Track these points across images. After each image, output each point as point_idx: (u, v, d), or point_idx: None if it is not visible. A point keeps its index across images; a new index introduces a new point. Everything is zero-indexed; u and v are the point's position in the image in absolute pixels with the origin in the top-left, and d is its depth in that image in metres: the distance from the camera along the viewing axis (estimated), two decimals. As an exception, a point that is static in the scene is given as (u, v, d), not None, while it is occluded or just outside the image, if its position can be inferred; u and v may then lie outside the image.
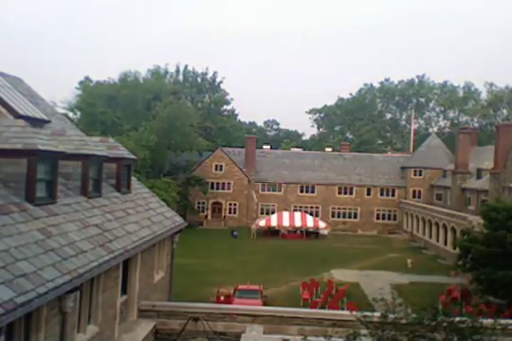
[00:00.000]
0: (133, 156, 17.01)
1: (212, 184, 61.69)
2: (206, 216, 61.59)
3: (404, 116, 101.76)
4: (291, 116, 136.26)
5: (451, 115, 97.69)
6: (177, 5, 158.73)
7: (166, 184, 50.17)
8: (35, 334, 8.71)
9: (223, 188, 62.20)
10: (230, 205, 62.28)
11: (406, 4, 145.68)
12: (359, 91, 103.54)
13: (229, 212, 62.25)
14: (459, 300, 27.08)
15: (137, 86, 66.63)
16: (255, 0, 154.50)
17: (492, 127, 76.85)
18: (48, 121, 15.36)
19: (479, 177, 49.91)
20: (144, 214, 15.78)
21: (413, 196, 62.55)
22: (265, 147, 72.68)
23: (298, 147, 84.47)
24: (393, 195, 63.42)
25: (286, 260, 39.53)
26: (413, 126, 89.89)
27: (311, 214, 58.64)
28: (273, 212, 59.27)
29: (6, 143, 10.21)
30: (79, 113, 67.19)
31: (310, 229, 53.32)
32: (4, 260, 7.88)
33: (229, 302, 24.31)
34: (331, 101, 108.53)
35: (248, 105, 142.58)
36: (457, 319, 10.93)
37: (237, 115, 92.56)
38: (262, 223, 53.56)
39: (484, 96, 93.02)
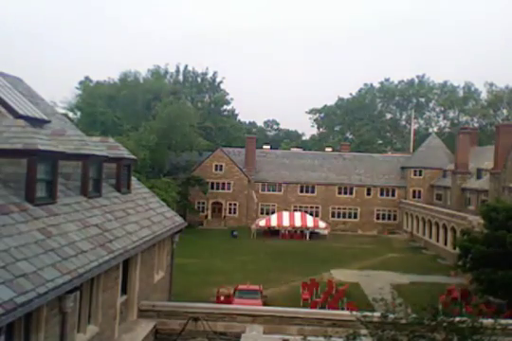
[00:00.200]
0: (133, 156, 17.00)
1: (212, 184, 61.69)
2: (206, 216, 61.59)
3: (404, 116, 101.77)
4: (291, 116, 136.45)
5: (451, 115, 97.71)
6: (177, 5, 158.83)
7: (166, 184, 50.15)
8: (35, 334, 8.71)
9: (223, 188, 62.20)
10: (230, 205, 62.28)
11: (406, 4, 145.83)
12: (359, 91, 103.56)
13: (229, 212, 62.25)
14: (459, 300, 27.10)
15: (137, 86, 66.66)
16: (255, 0, 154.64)
17: (492, 127, 76.87)
18: (48, 121, 15.35)
19: (479, 177, 49.91)
20: (144, 214, 15.78)
21: (413, 196, 62.55)
22: (265, 147, 72.69)
23: (298, 147, 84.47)
24: (393, 195, 63.42)
25: (286, 260, 39.53)
26: (413, 126, 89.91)
27: (311, 214, 58.62)
28: (273, 212, 59.26)
29: (6, 143, 10.21)
30: (79, 113, 67.21)
31: (310, 229, 53.33)
32: (4, 260, 7.88)
33: (229, 302, 24.32)
34: (331, 101, 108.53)
35: (248, 105, 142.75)
36: (457, 319, 10.93)
37: (237, 115, 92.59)
38: (262, 223, 53.55)
39: (484, 96, 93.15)
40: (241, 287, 27.08)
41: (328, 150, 72.46)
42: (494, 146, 45.57)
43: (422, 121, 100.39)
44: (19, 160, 10.15)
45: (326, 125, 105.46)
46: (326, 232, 53.57)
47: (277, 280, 32.84)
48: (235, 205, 62.26)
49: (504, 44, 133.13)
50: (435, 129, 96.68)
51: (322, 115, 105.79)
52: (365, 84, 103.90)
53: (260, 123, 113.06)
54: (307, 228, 53.09)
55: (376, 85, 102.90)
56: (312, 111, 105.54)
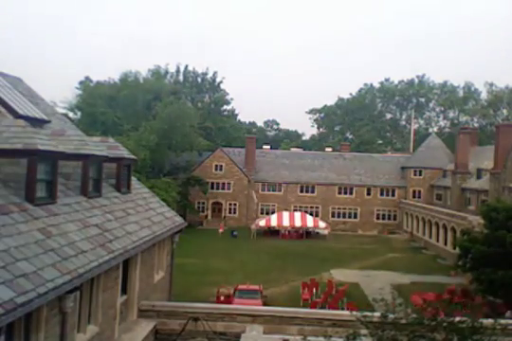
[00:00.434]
0: (133, 156, 17.00)
1: (212, 184, 61.69)
2: (206, 216, 61.59)
3: (404, 116, 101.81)
4: (291, 116, 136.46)
5: (451, 115, 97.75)
6: (177, 5, 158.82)
7: (166, 184, 50.16)
8: (35, 334, 8.71)
9: (223, 188, 62.20)
10: (230, 205, 62.28)
11: (406, 4, 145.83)
12: (359, 91, 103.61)
13: (229, 212, 62.25)
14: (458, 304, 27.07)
15: (137, 86, 66.68)
16: (255, 0, 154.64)
17: (492, 127, 76.88)
18: (48, 121, 15.36)
19: (479, 177, 49.91)
20: (144, 214, 15.78)
21: (413, 196, 62.55)
22: (264, 147, 72.69)
23: (298, 147, 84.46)
24: (393, 195, 63.42)
25: (286, 260, 39.52)
26: (413, 126, 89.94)
27: (311, 214, 58.61)
28: (273, 212, 59.24)
29: (6, 143, 10.21)
30: (79, 113, 67.23)
31: (305, 228, 53.29)
32: (4, 260, 7.88)
33: (229, 302, 24.31)
34: (331, 101, 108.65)
35: (248, 105, 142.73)
36: (457, 319, 10.93)
37: (237, 115, 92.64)
38: (262, 223, 53.54)
39: (484, 96, 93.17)
40: (241, 287, 27.07)
41: (328, 150, 72.46)
42: (494, 146, 45.56)
43: (422, 121, 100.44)
44: (19, 160, 10.16)
45: (326, 125, 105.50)
46: (326, 232, 53.56)
47: (277, 280, 32.83)
48: (235, 205, 62.26)
49: (505, 43, 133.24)
50: (435, 129, 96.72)
51: (322, 115, 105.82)
52: (365, 84, 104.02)
53: (260, 123, 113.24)
54: (307, 228, 53.09)
55: (376, 85, 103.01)
56: (312, 111, 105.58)
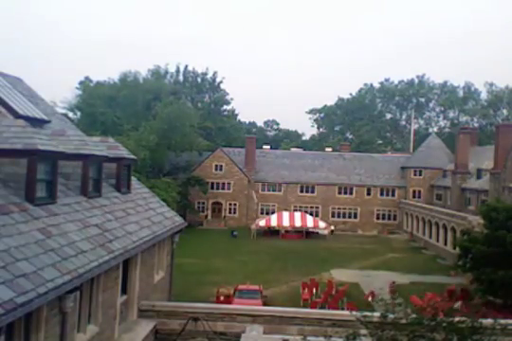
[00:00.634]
0: (133, 156, 17.00)
1: (212, 184, 61.70)
2: (206, 216, 61.58)
3: (404, 116, 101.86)
4: (291, 116, 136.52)
5: (451, 115, 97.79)
6: (177, 5, 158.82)
7: (166, 184, 50.17)
8: (35, 334, 8.71)
9: (223, 188, 62.21)
10: (230, 205, 62.28)
11: (406, 4, 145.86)
12: (359, 91, 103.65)
13: (229, 212, 62.25)
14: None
15: (137, 86, 66.65)
16: (255, 0, 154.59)
17: (492, 127, 76.89)
18: (48, 121, 15.36)
19: (479, 177, 49.91)
20: (144, 214, 15.78)
21: (413, 196, 62.54)
22: (264, 147, 72.70)
23: (298, 147, 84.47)
24: (393, 195, 63.42)
25: (286, 260, 39.52)
26: (413, 126, 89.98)
27: (311, 214, 58.61)
28: (273, 212, 59.24)
29: (6, 143, 10.21)
30: (79, 113, 67.19)
31: (310, 229, 53.32)
32: (4, 260, 7.88)
33: (229, 302, 24.30)
34: (331, 101, 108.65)
35: (248, 105, 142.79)
36: (457, 319, 10.93)
37: (237, 115, 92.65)
38: (262, 223, 53.54)
39: (484, 96, 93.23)
40: (241, 287, 27.05)
41: (328, 150, 72.46)
42: (494, 146, 45.56)
43: (422, 121, 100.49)
44: (19, 160, 10.16)
45: (326, 125, 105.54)
46: (326, 232, 53.55)
47: (277, 280, 32.83)
48: (235, 205, 62.26)
49: (504, 43, 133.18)
50: (435, 129, 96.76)
51: (322, 115, 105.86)
52: (365, 84, 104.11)
53: (260, 123, 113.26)
54: (307, 228, 53.08)
55: (376, 85, 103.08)
56: (312, 111, 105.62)
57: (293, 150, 75.72)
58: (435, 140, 67.49)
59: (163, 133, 55.17)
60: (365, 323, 11.26)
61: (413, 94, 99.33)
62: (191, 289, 28.21)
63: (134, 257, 13.79)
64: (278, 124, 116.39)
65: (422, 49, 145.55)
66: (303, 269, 36.20)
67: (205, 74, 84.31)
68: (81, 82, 73.11)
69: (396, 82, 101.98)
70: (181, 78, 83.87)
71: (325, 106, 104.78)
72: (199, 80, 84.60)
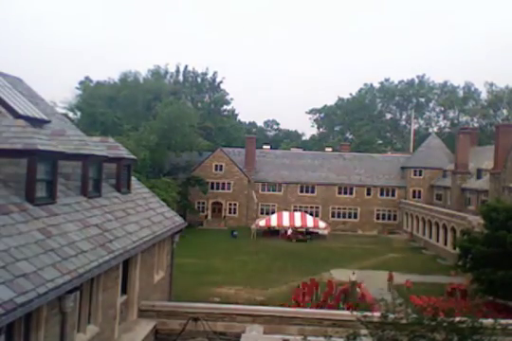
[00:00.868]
0: (133, 156, 16.99)
1: (212, 184, 61.70)
2: (206, 216, 61.59)
3: (404, 116, 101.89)
4: (291, 116, 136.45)
5: (451, 115, 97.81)
6: (177, 5, 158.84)
7: (166, 184, 50.16)
8: (35, 334, 8.71)
9: (223, 188, 62.21)
10: (230, 205, 62.28)
11: (406, 4, 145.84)
12: (359, 91, 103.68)
13: (229, 212, 62.26)
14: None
15: (137, 86, 66.67)
16: (255, 0, 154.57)
17: (492, 127, 76.88)
18: (48, 121, 15.34)
19: (479, 177, 49.91)
20: (144, 214, 15.77)
21: (413, 196, 62.55)
22: (264, 147, 72.70)
23: (298, 147, 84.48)
24: (393, 195, 63.42)
25: (286, 261, 39.53)
26: (413, 126, 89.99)
27: (311, 214, 58.61)
28: (273, 212, 59.24)
29: (6, 143, 10.21)
30: (79, 113, 67.18)
31: (310, 229, 53.30)
32: (4, 260, 7.87)
33: None
34: (331, 101, 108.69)
35: (248, 105, 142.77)
36: (457, 319, 10.93)
37: (237, 115, 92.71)
38: (262, 223, 53.52)
39: (484, 96, 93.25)
40: None
41: (328, 150, 72.47)
42: (494, 146, 45.56)
43: (422, 121, 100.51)
44: (19, 160, 10.15)
45: (326, 125, 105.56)
46: (326, 232, 53.54)
47: (277, 280, 32.82)
48: (235, 205, 62.26)
49: (505, 43, 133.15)
50: (435, 129, 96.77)
51: (322, 115, 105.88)
52: (365, 84, 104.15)
53: (260, 123, 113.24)
54: (307, 228, 53.07)
55: (376, 85, 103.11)
56: (312, 111, 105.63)
57: (293, 150, 75.73)
58: (435, 140, 67.49)
59: (163, 133, 55.18)
60: (365, 323, 11.25)
61: (413, 94, 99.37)
62: (191, 289, 28.20)
63: (134, 257, 13.78)
64: (278, 124, 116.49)
65: (422, 49, 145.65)
66: (303, 269, 36.20)
67: (205, 74, 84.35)
68: (81, 82, 73.14)
69: (396, 82, 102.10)
70: (181, 78, 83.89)
71: (325, 106, 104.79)
72: (199, 80, 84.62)
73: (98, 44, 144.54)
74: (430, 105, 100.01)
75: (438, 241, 47.34)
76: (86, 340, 10.87)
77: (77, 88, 71.21)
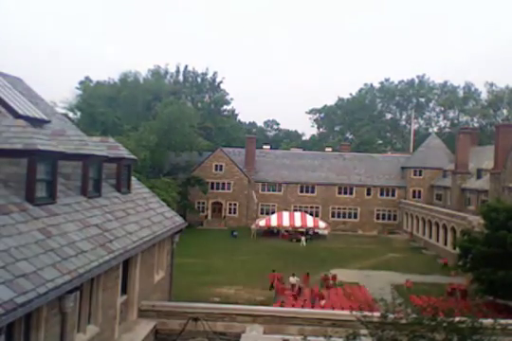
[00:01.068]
0: (133, 156, 16.98)
1: (212, 184, 61.70)
2: (206, 216, 61.60)
3: (404, 117, 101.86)
4: (291, 116, 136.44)
5: (451, 115, 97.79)
6: (177, 5, 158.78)
7: (166, 184, 50.18)
8: (35, 334, 8.71)
9: (223, 188, 62.21)
10: (230, 205, 62.28)
11: (406, 4, 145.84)
12: (359, 91, 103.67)
13: (229, 212, 62.26)
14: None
15: (137, 87, 66.70)
16: (255, 0, 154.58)
17: (492, 127, 76.87)
18: (48, 121, 15.34)
19: (479, 177, 49.90)
20: (144, 214, 15.77)
21: (413, 196, 62.55)
22: (264, 147, 72.71)
23: (298, 147, 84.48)
24: (393, 195, 63.42)
25: (286, 261, 39.48)
26: (413, 126, 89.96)
27: (311, 214, 58.60)
28: (273, 212, 59.26)
29: (6, 143, 10.20)
30: (79, 113, 67.21)
31: (310, 229, 53.29)
32: (4, 260, 7.87)
33: None
34: (331, 101, 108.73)
35: (248, 105, 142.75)
36: (457, 319, 10.93)
37: (237, 115, 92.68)
38: (262, 223, 53.53)
39: (484, 96, 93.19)
40: None
41: (328, 150, 72.48)
42: (494, 146, 45.55)
43: (422, 121, 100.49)
44: (19, 160, 10.15)
45: (326, 125, 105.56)
46: (326, 232, 53.53)
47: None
48: (235, 205, 62.26)
49: (505, 43, 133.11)
50: (435, 129, 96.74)
51: (322, 115, 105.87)
52: (365, 84, 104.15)
53: (260, 123, 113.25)
54: (307, 228, 53.04)
55: (376, 85, 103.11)
56: (312, 111, 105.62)
57: (293, 150, 75.73)
58: (435, 140, 67.49)
59: (163, 133, 55.21)
60: (365, 323, 11.26)
61: (413, 94, 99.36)
62: (191, 289, 28.21)
63: (134, 257, 13.78)
64: (278, 124, 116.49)
65: (422, 49, 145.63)
66: (303, 269, 36.11)
67: (205, 74, 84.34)
68: (81, 82, 73.18)
69: (396, 82, 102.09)
70: (181, 78, 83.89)
71: (325, 106, 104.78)
72: (199, 80, 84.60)
73: (98, 44, 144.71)
74: (430, 105, 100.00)
75: (438, 241, 47.34)
76: (86, 340, 10.87)
77: (77, 88, 71.33)
